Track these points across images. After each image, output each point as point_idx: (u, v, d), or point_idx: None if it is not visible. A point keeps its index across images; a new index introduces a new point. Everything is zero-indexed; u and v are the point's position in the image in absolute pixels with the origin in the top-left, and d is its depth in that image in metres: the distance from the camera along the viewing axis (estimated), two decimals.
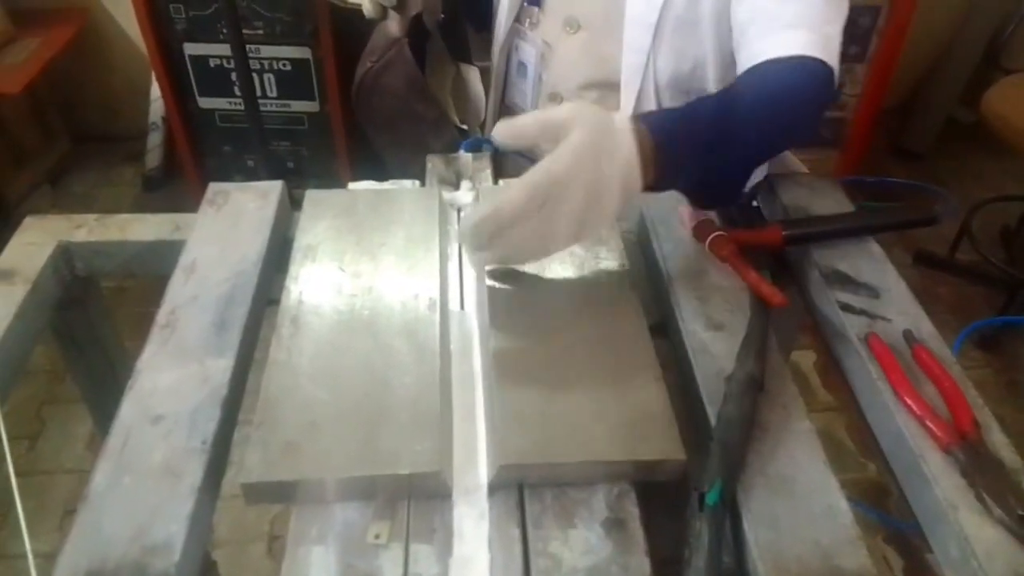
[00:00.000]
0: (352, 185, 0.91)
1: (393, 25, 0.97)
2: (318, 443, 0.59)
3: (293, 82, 2.15)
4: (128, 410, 0.64)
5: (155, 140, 2.56)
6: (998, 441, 0.64)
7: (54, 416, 1.85)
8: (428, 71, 1.04)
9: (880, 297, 0.77)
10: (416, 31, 1.00)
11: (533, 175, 0.61)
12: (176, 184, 2.58)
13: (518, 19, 1.05)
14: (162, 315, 0.73)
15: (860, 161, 2.40)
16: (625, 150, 0.64)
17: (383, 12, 0.97)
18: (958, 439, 0.63)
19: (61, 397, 1.88)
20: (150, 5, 2.03)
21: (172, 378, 0.67)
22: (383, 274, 0.75)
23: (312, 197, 0.85)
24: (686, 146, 0.69)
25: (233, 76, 2.13)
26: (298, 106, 2.21)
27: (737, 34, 0.87)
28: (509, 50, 1.07)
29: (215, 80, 2.16)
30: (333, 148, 2.27)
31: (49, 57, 2.32)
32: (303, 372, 0.65)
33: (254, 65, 2.07)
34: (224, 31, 2.04)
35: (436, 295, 0.73)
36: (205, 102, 2.21)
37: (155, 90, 2.46)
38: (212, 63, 2.13)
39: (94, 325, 0.95)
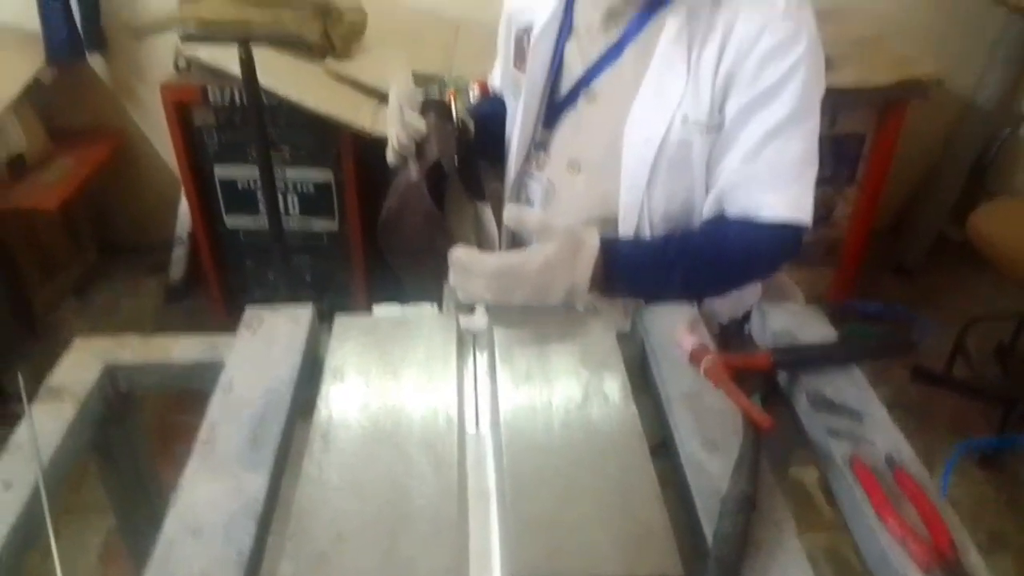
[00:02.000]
0: (376, 309, 0.99)
1: (412, 171, 1.08)
2: (345, 554, 0.65)
3: (315, 202, 2.29)
4: (171, 523, 0.70)
5: (179, 254, 2.68)
6: (975, 563, 0.69)
7: (69, 525, 1.87)
8: (447, 208, 1.15)
9: (863, 421, 0.83)
10: (435, 174, 1.10)
11: (509, 258, 0.91)
12: (198, 296, 2.68)
13: (527, 160, 1.16)
14: (203, 431, 0.80)
15: (855, 279, 2.49)
16: (581, 269, 0.92)
17: (404, 160, 1.08)
18: (938, 560, 0.67)
19: (76, 507, 1.90)
20: (185, 130, 2.19)
21: (210, 492, 0.73)
22: (405, 393, 0.82)
23: (341, 322, 0.93)
24: (635, 281, 0.99)
25: (259, 196, 2.27)
26: (319, 224, 2.33)
27: (719, 183, 1.00)
28: (519, 188, 1.18)
29: (242, 200, 2.30)
30: (350, 264, 2.38)
31: (85, 175, 2.47)
32: (332, 486, 0.71)
33: (279, 186, 2.21)
34: (253, 154, 2.20)
35: (454, 413, 0.79)
36: (231, 220, 2.34)
37: (183, 206, 2.60)
38: (240, 184, 2.27)
39: (131, 438, 1.01)
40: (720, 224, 1.02)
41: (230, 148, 2.22)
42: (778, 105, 0.97)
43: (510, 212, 0.96)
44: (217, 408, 0.83)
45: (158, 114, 2.53)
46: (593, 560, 0.65)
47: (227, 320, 2.38)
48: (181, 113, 2.15)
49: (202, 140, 2.21)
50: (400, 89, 1.07)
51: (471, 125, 1.15)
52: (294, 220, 2.31)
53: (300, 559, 0.65)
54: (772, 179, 0.98)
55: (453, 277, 0.93)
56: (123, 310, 2.67)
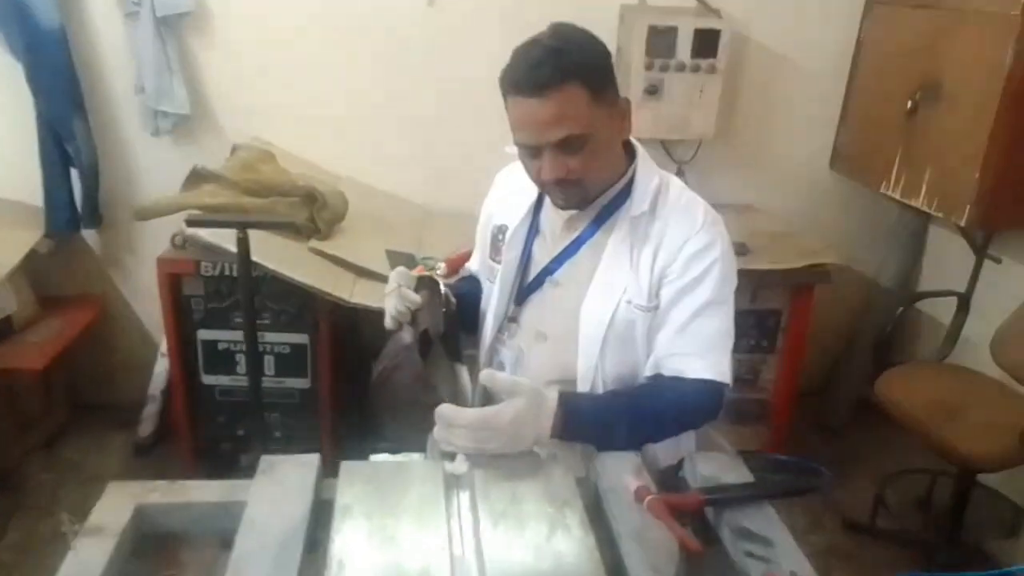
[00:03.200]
0: (373, 457, 1.17)
1: (406, 336, 1.30)
2: None
3: (290, 363, 2.47)
4: None
5: (151, 411, 2.79)
6: None
7: None
8: (429, 369, 1.36)
9: (774, 547, 1.03)
10: (423, 340, 1.33)
11: (485, 412, 1.10)
12: (166, 450, 2.77)
13: (500, 331, 1.39)
14: (233, 561, 0.95)
15: (784, 436, 2.74)
16: (543, 420, 1.12)
17: (400, 325, 1.31)
18: None
19: None
20: (174, 299, 2.39)
21: None
22: (403, 528, 0.99)
23: (346, 467, 1.11)
24: (589, 430, 1.18)
25: (237, 357, 2.45)
26: (292, 383, 2.51)
27: (655, 352, 1.24)
28: (492, 353, 1.41)
29: (221, 359, 2.47)
30: (318, 420, 2.54)
31: (69, 338, 2.62)
32: None
33: (258, 348, 2.39)
34: (235, 320, 2.40)
35: (445, 543, 0.97)
36: (208, 378, 2.50)
37: (159, 365, 2.75)
38: (220, 346, 2.46)
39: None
40: (657, 382, 1.26)
41: (214, 314, 2.42)
42: (700, 292, 1.24)
43: (485, 374, 1.17)
44: (243, 540, 0.99)
45: (143, 283, 2.79)
46: None
47: (195, 473, 2.48)
48: (173, 283, 2.36)
49: (189, 308, 2.41)
50: (399, 270, 1.31)
51: (453, 301, 1.39)
52: (269, 379, 2.47)
53: None
54: (697, 348, 1.23)
55: (438, 430, 1.12)
56: (90, 464, 2.73)
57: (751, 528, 1.06)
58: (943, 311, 2.85)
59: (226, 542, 1.01)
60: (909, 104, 2.60)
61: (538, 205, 1.38)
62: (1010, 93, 2.26)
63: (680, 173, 3.02)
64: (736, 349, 2.55)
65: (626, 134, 1.30)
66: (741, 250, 2.55)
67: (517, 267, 1.37)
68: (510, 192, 1.43)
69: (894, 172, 2.71)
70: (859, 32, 2.92)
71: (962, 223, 2.47)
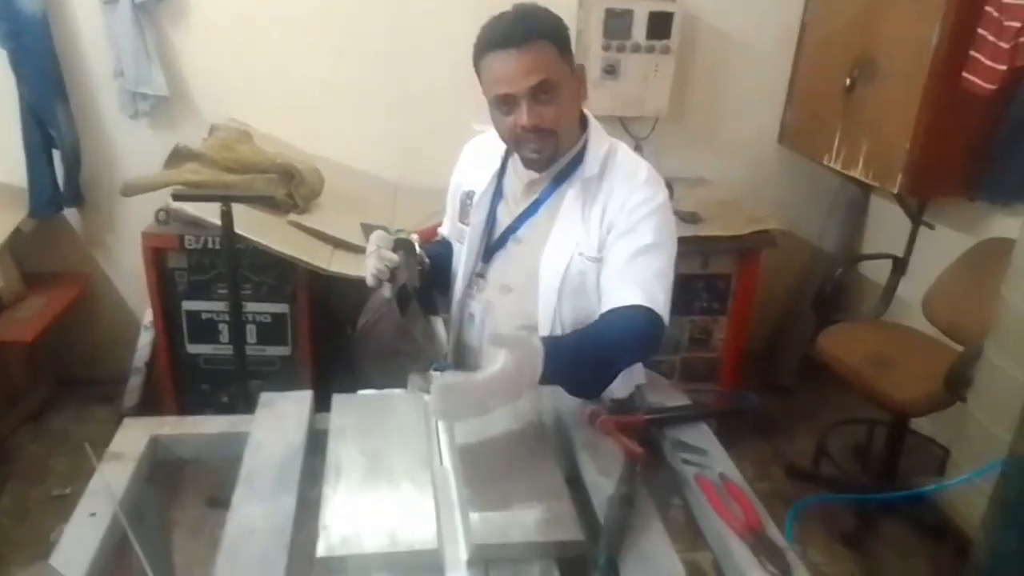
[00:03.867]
0: (361, 392, 1.33)
1: (386, 291, 1.45)
2: (362, 532, 0.97)
3: (271, 331, 2.61)
4: (232, 527, 1.00)
5: (135, 383, 2.90)
6: (774, 533, 1.05)
7: None
8: (409, 321, 1.51)
9: (708, 455, 1.21)
10: (401, 295, 1.48)
11: (491, 372, 1.10)
12: None
13: (469, 286, 1.55)
14: (243, 473, 1.11)
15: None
16: (538, 367, 1.13)
17: (379, 283, 1.46)
18: (749, 530, 1.04)
19: None
20: (159, 272, 2.50)
21: (258, 509, 1.04)
22: (390, 443, 1.16)
23: (338, 399, 1.27)
24: (559, 371, 1.19)
25: (220, 327, 2.58)
26: (273, 351, 2.64)
27: (602, 291, 1.39)
28: (463, 307, 1.57)
29: (204, 329, 2.59)
30: (298, 385, 2.65)
31: (54, 313, 2.72)
32: (348, 493, 1.03)
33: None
34: (218, 291, 2.52)
35: (424, 451, 1.13)
36: (192, 348, 2.62)
37: (142, 339, 2.86)
38: (204, 316, 2.58)
39: (161, 501, 1.29)
40: (601, 317, 1.38)
41: (198, 286, 2.54)
42: (641, 236, 1.38)
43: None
44: (251, 457, 1.15)
45: (126, 259, 2.89)
46: (525, 530, 0.98)
47: None
48: (158, 257, 2.48)
49: (174, 280, 2.53)
50: (377, 233, 1.47)
51: (427, 260, 1.54)
52: (252, 347, 2.61)
53: (331, 532, 0.96)
54: (634, 280, 1.36)
55: (437, 403, 1.09)
56: (76, 435, 2.84)
57: (687, 441, 1.24)
58: (881, 274, 3.07)
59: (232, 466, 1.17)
60: (847, 81, 2.79)
61: (501, 172, 1.53)
62: (936, 68, 2.46)
63: (638, 149, 3.20)
64: (689, 311, 2.80)
65: (584, 98, 1.46)
66: (693, 219, 2.74)
67: (483, 228, 1.52)
68: (477, 162, 1.58)
69: (835, 145, 2.91)
70: (803, 13, 3.11)
71: (895, 191, 2.67)
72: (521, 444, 1.17)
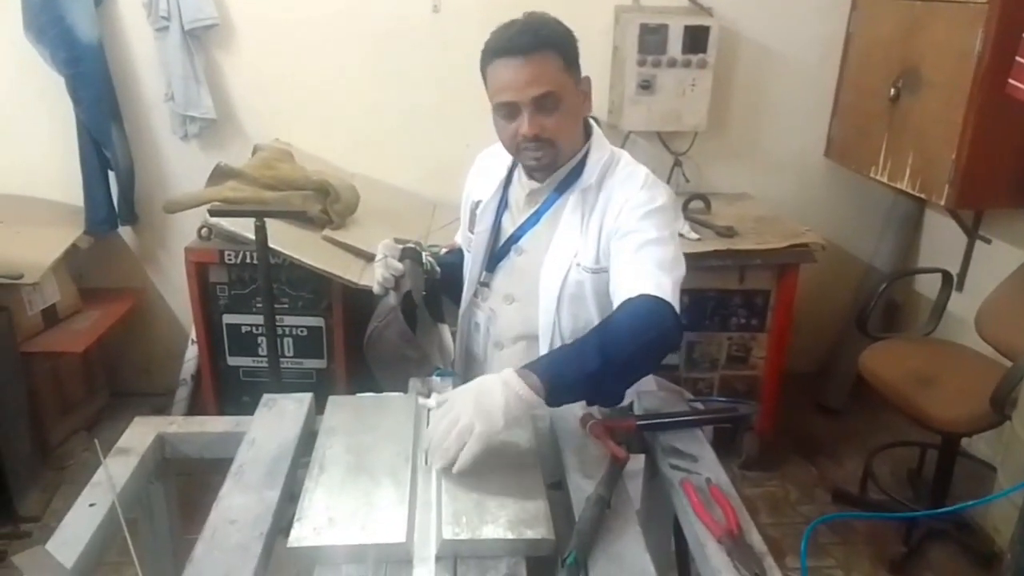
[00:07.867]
0: (359, 395, 1.35)
1: (392, 298, 1.48)
2: (335, 523, 0.98)
3: (307, 344, 2.67)
4: (214, 516, 1.03)
5: (183, 394, 3.01)
6: (755, 539, 1.03)
7: None
8: (417, 329, 1.54)
9: (698, 461, 1.19)
10: (408, 304, 1.51)
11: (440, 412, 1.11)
12: None
13: (475, 295, 1.57)
14: (234, 466, 1.14)
15: (776, 412, 2.86)
16: (502, 390, 1.09)
17: (386, 291, 1.49)
18: (728, 534, 1.02)
19: None
20: (201, 286, 2.60)
21: (241, 500, 1.07)
22: (377, 439, 1.17)
23: (333, 400, 1.30)
24: (571, 376, 1.15)
25: (259, 340, 2.66)
26: (309, 363, 2.71)
27: (611, 291, 1.36)
28: (469, 315, 1.58)
29: (244, 342, 2.68)
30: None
31: (108, 325, 2.86)
32: (328, 486, 1.05)
33: (278, 331, 2.60)
34: (257, 305, 2.61)
35: (409, 450, 1.15)
36: (233, 360, 2.71)
37: (190, 352, 2.97)
38: (243, 329, 2.67)
39: (166, 496, 1.33)
40: (617, 309, 1.30)
41: (238, 300, 2.63)
42: (645, 231, 1.35)
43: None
44: (244, 452, 1.18)
45: (175, 276, 3.02)
46: (495, 527, 0.98)
47: None
48: (200, 271, 2.58)
49: (215, 294, 2.63)
50: (385, 243, 1.50)
51: (438, 269, 1.57)
52: (288, 360, 2.68)
53: (304, 524, 0.98)
54: (642, 274, 1.30)
55: (435, 461, 1.10)
56: None
57: (679, 447, 1.22)
58: (935, 289, 2.95)
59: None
60: (892, 92, 2.72)
61: (507, 181, 1.55)
62: (980, 77, 2.38)
63: (677, 164, 3.18)
64: (726, 327, 2.72)
65: (587, 111, 1.47)
66: (728, 232, 2.69)
67: (488, 237, 1.54)
68: (486, 171, 1.60)
69: (881, 157, 2.84)
70: (848, 25, 3.05)
71: (942, 202, 2.58)
72: (507, 446, 1.17)
